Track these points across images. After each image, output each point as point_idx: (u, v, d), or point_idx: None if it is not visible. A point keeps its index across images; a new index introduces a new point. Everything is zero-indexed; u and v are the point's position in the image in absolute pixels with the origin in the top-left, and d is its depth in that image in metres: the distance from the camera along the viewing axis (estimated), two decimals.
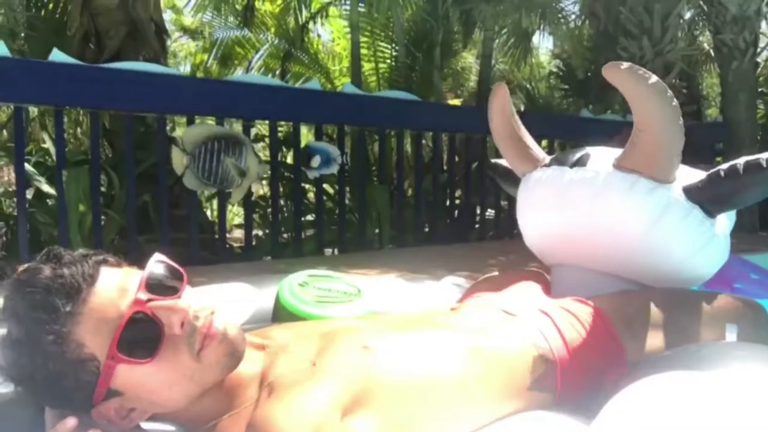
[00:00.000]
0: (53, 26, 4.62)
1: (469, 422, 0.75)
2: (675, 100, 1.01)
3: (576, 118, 5.45)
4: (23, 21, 4.61)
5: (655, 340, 0.90)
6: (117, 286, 0.64)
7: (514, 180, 1.31)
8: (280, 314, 1.14)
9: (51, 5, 4.85)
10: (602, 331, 0.90)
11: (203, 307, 0.67)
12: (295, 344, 0.75)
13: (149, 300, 0.63)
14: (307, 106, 3.78)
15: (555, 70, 7.46)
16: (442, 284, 1.47)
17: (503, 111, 1.23)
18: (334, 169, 3.85)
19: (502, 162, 1.39)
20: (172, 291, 0.66)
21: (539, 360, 0.83)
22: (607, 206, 1.07)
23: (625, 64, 1.02)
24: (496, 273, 1.27)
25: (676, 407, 0.64)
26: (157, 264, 0.68)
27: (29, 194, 3.62)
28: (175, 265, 0.69)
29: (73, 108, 3.78)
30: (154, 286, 0.65)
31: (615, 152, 1.11)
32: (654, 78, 1.00)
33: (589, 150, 1.17)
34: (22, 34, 4.66)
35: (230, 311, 0.72)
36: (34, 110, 4.93)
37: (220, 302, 0.76)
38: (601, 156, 1.13)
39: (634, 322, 0.91)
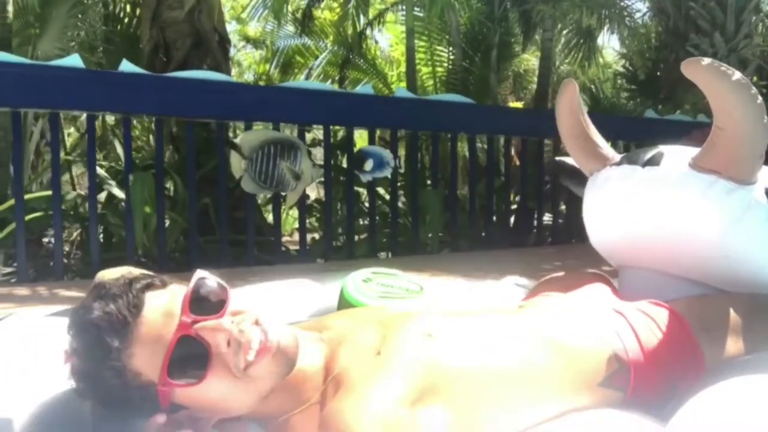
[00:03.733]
0: (128, 39, 4.89)
1: (538, 412, 0.74)
2: (759, 97, 0.94)
3: (641, 119, 5.21)
4: (101, 35, 4.91)
5: (734, 345, 0.86)
6: (162, 311, 0.65)
7: (581, 179, 1.26)
8: (344, 308, 1.14)
9: (126, 20, 5.16)
10: (680, 334, 0.86)
11: (245, 316, 0.67)
12: (356, 332, 0.75)
13: (194, 322, 0.65)
14: (360, 111, 3.80)
15: (622, 70, 7.19)
16: (503, 284, 1.44)
17: (572, 108, 1.19)
18: (386, 173, 3.85)
19: (569, 160, 1.34)
20: (217, 306, 0.67)
21: (612, 358, 0.81)
22: (682, 208, 1.01)
23: (706, 60, 0.96)
24: (561, 273, 1.22)
25: (755, 411, 0.62)
26: (200, 282, 0.69)
27: (102, 198, 3.82)
28: (218, 281, 0.70)
29: (139, 115, 3.96)
30: (198, 305, 0.66)
31: (690, 151, 1.04)
32: (737, 74, 0.94)
33: (663, 149, 1.11)
34: (100, 48, 4.97)
35: (271, 313, 0.73)
36: (111, 119, 5.22)
37: (261, 305, 0.76)
38: (676, 155, 1.07)
39: (712, 327, 0.87)
